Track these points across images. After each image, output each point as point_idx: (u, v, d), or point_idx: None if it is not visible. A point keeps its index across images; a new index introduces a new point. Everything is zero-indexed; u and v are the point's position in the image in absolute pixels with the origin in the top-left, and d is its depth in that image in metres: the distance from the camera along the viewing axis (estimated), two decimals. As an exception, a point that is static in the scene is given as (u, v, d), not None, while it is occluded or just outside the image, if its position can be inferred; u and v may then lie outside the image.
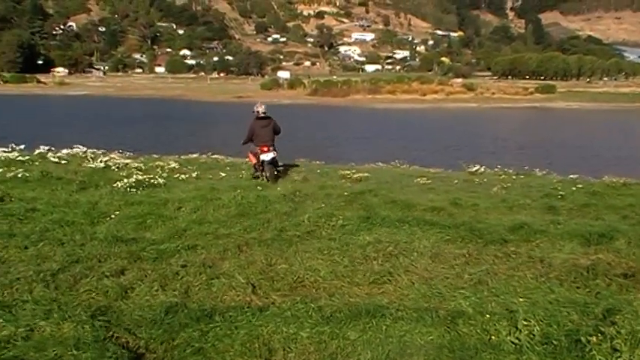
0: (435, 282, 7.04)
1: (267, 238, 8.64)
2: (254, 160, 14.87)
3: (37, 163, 15.20)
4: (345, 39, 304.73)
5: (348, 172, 15.67)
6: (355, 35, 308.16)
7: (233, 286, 6.70)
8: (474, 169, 18.21)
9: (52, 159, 16.33)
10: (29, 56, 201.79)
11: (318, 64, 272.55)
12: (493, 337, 5.52)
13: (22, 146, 17.80)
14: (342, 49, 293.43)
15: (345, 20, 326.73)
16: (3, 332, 5.23)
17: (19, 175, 12.85)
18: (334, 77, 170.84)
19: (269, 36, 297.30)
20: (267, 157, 14.37)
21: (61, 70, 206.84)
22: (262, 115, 14.55)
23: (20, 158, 15.51)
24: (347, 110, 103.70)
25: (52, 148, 18.40)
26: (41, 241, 8.17)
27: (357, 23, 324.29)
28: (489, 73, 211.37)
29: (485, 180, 15.91)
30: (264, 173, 14.46)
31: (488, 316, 5.86)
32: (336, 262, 7.58)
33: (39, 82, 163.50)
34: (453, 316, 5.94)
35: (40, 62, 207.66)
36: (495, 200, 12.16)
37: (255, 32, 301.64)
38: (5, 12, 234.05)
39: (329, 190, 12.41)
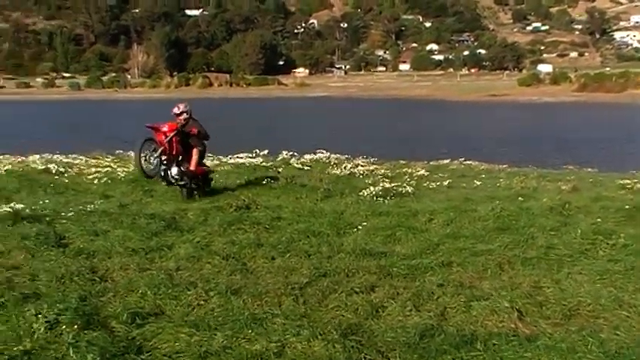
0: None
1: (533, 256, 8.45)
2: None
3: (280, 170, 16.20)
4: (623, 23, 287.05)
5: (629, 181, 14.74)
6: (635, 18, 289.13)
7: (495, 311, 6.61)
8: None
9: (296, 165, 17.35)
10: (271, 57, 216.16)
11: (587, 54, 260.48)
12: None
13: (266, 151, 19.12)
14: (617, 35, 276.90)
15: (622, 1, 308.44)
16: (255, 346, 5.60)
17: (264, 182, 13.84)
18: (607, 69, 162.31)
19: (528, 24, 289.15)
20: None
21: (301, 71, 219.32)
22: None
23: (264, 164, 16.69)
24: (623, 107, 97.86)
25: (295, 154, 19.53)
26: (288, 252, 8.71)
27: (638, 4, 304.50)
28: None
29: None
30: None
31: None
32: (620, 289, 7.18)
33: (280, 83, 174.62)
34: None
35: (281, 63, 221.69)
36: None
37: (512, 21, 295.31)
38: (249, 12, 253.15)
39: (605, 202, 11.82)
